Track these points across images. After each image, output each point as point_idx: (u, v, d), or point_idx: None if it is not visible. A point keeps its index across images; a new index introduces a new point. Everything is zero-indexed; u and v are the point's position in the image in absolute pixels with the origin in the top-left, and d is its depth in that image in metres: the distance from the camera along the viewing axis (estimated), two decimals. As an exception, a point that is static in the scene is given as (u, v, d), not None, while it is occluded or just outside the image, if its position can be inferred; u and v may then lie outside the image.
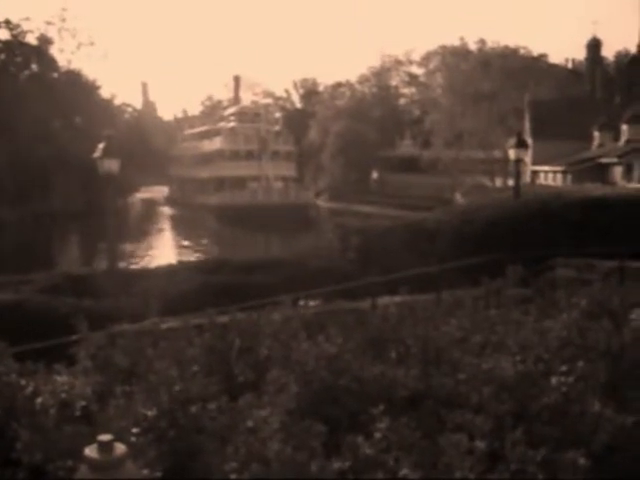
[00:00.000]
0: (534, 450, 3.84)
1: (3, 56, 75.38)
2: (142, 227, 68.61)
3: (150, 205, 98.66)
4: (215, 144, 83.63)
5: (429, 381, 5.03)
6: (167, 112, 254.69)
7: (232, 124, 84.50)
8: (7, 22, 74.85)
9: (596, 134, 62.48)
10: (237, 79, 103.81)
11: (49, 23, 78.95)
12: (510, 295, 8.31)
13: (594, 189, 27.20)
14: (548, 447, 3.92)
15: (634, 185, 43.38)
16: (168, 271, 16.77)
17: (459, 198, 59.82)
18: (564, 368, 4.85)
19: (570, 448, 3.95)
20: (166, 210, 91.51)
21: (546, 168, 60.67)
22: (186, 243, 56.66)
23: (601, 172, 52.64)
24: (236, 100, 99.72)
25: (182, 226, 73.63)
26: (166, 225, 76.38)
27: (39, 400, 4.73)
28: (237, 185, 74.16)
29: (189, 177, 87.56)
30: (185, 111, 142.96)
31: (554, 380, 4.69)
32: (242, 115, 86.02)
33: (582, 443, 4.15)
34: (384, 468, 3.73)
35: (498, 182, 69.80)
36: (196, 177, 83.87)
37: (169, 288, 14.56)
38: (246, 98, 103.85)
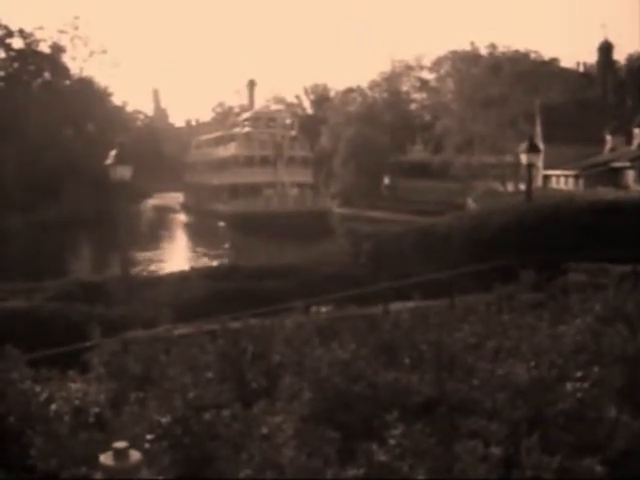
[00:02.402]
0: (549, 457, 3.81)
1: (16, 65, 76.13)
2: (152, 236, 67.70)
3: (162, 212, 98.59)
4: (229, 150, 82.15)
5: (443, 387, 5.01)
6: (178, 119, 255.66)
7: (247, 129, 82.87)
8: (21, 31, 75.68)
9: (608, 138, 62.28)
10: (252, 83, 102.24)
11: (62, 32, 79.79)
12: (523, 300, 8.27)
13: (606, 193, 27.10)
14: (564, 453, 3.89)
15: (647, 189, 43.15)
16: (180, 278, 16.81)
17: (471, 203, 59.69)
18: (579, 374, 4.82)
19: (586, 454, 3.92)
20: (180, 217, 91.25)
21: (558, 172, 60.51)
22: (197, 254, 55.83)
23: (613, 176, 52.44)
24: (251, 104, 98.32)
25: (193, 235, 73.05)
26: (176, 234, 75.71)
27: (53, 407, 4.74)
28: (252, 192, 72.44)
29: (204, 184, 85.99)
30: (197, 119, 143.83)
31: (569, 386, 4.66)
32: (257, 120, 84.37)
33: (598, 449, 4.12)
34: (398, 475, 3.72)
35: (510, 187, 69.67)
36: (211, 184, 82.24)
37: (181, 295, 14.59)
38: (257, 104, 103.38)
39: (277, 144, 79.18)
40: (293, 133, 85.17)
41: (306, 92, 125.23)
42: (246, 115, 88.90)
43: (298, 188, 75.88)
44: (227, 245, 59.68)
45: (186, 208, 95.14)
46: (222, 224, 70.65)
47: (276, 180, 75.19)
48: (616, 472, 4.07)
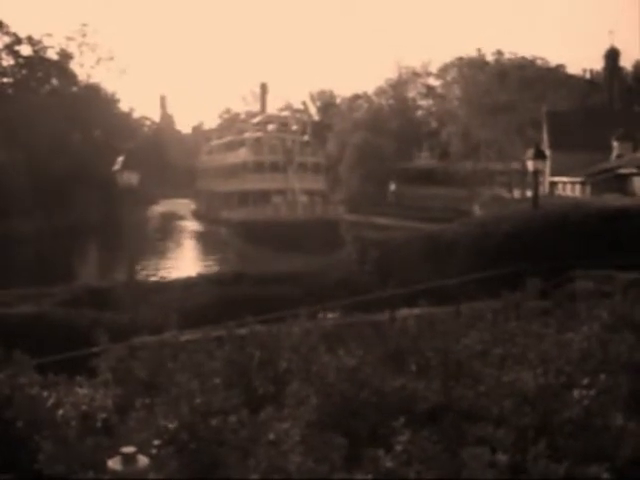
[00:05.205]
0: (556, 464, 3.81)
1: (25, 71, 76.48)
2: (159, 243, 66.73)
3: (169, 219, 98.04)
4: (239, 156, 79.43)
5: (450, 394, 5.01)
6: (185, 125, 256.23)
7: (258, 134, 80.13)
8: (29, 38, 76.11)
9: (615, 144, 62.07)
10: (264, 87, 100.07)
11: (69, 39, 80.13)
12: (530, 307, 8.26)
13: (613, 200, 27.00)
14: (570, 461, 3.89)
15: (654, 196, 43.04)
16: (187, 284, 16.80)
17: (477, 210, 59.57)
18: (586, 381, 4.81)
19: (593, 462, 3.92)
20: (187, 224, 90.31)
21: (564, 179, 60.35)
22: (203, 261, 54.70)
23: (620, 183, 52.22)
24: (262, 109, 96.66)
25: (200, 243, 72.31)
26: (183, 241, 74.37)
27: (61, 412, 4.76)
28: (262, 199, 69.46)
29: (214, 190, 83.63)
30: (203, 124, 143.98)
31: (576, 393, 4.65)
32: (268, 124, 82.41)
33: (605, 457, 4.11)
34: (405, 481, 3.72)
35: (516, 193, 69.56)
36: (220, 190, 79.98)
37: (188, 300, 14.60)
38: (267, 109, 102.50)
39: (287, 149, 76.23)
40: (305, 138, 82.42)
41: (312, 98, 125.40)
42: (257, 119, 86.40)
43: (308, 195, 71.91)
44: (231, 255, 58.50)
45: (197, 215, 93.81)
46: (224, 231, 69.79)
47: (286, 187, 71.88)
48: (623, 480, 4.06)
